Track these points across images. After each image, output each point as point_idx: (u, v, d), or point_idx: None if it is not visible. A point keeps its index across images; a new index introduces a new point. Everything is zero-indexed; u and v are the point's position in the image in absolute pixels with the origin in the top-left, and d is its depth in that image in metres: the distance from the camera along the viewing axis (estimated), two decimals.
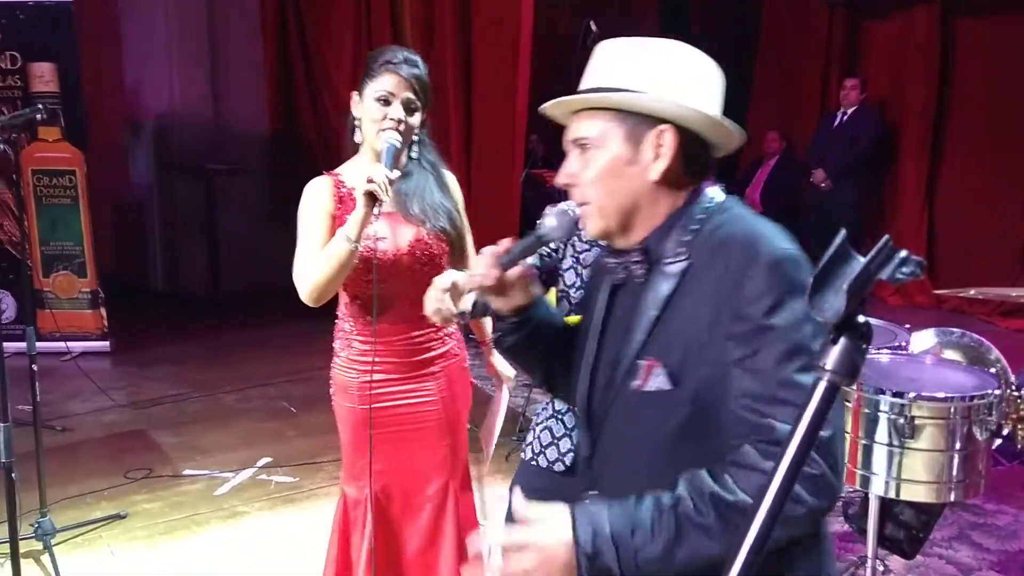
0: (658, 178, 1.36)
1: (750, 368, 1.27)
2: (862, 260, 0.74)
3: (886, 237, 0.75)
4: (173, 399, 5.21)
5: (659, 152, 1.35)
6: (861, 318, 0.74)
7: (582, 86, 1.42)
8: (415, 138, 2.34)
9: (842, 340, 0.74)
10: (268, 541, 3.62)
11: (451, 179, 2.47)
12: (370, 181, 2.12)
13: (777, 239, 1.33)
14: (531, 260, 1.59)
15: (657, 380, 1.34)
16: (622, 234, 1.41)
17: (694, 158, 1.38)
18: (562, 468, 2.30)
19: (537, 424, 2.41)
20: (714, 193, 1.42)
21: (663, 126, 1.35)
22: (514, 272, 1.48)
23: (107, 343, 6.05)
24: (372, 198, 2.13)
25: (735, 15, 9.01)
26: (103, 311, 6.06)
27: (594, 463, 1.48)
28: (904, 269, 0.72)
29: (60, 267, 5.98)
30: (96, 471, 4.22)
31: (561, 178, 1.44)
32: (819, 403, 0.73)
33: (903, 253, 0.73)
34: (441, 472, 2.45)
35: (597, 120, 1.38)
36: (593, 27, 6.80)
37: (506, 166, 6.21)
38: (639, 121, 1.36)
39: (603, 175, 1.37)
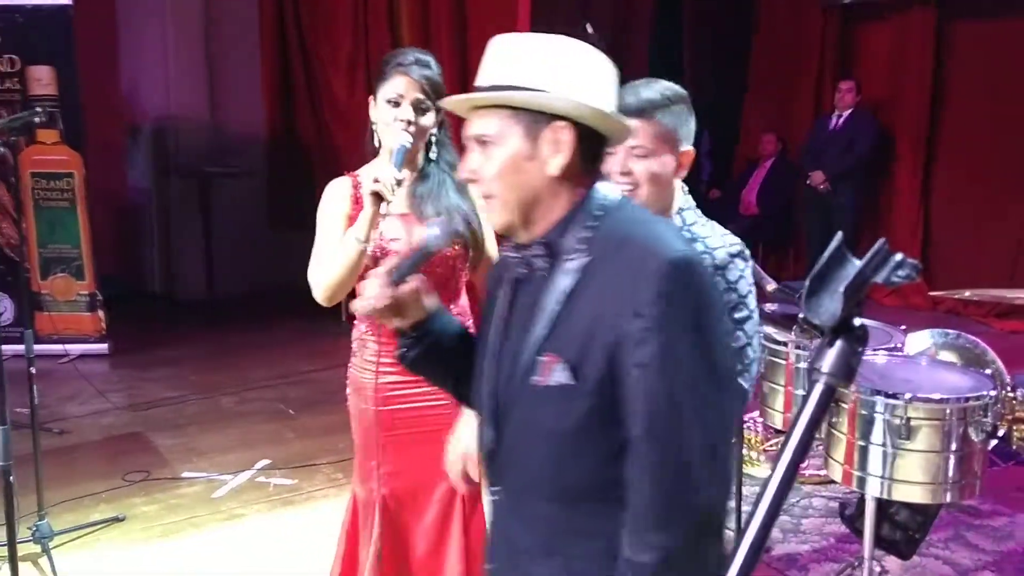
0: (557, 173, 1.40)
1: (641, 366, 1.31)
2: (858, 263, 0.75)
3: (882, 240, 0.76)
4: (171, 401, 5.21)
5: (557, 148, 1.39)
6: (857, 321, 0.75)
7: (479, 82, 1.45)
8: (432, 139, 2.35)
9: (838, 343, 0.75)
10: (266, 543, 3.62)
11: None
12: (376, 181, 2.14)
13: (674, 242, 1.38)
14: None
15: (557, 375, 1.37)
16: (524, 228, 1.45)
17: (591, 153, 1.42)
18: None
19: None
20: (607, 190, 1.46)
21: (560, 123, 1.38)
22: (405, 289, 1.51)
23: (105, 345, 6.05)
24: (378, 198, 2.15)
25: (729, 17, 9.02)
26: (101, 313, 6.05)
27: (498, 458, 1.51)
28: (900, 272, 0.73)
29: (58, 270, 5.98)
30: (94, 474, 4.22)
31: (463, 173, 1.49)
32: (817, 405, 0.75)
33: (899, 256, 0.74)
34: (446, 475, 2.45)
35: (496, 117, 1.41)
36: (589, 29, 6.83)
37: None
38: (537, 118, 1.39)
39: (503, 170, 1.41)
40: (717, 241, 1.91)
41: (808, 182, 7.46)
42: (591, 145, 1.42)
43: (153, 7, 7.14)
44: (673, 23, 9.05)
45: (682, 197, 1.99)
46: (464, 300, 2.48)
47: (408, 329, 1.56)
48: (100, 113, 6.78)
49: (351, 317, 2.44)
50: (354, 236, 2.19)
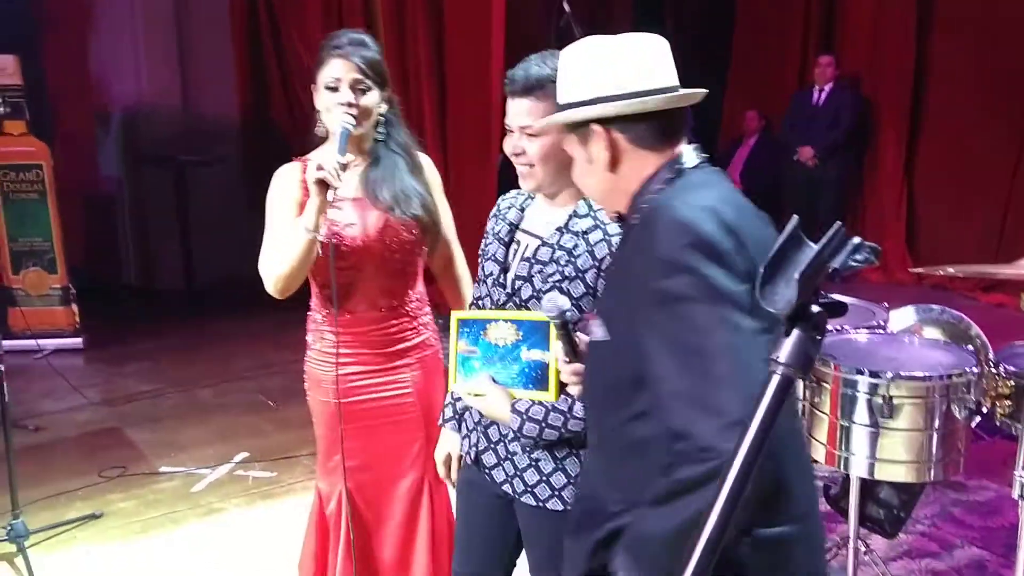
0: (612, 167, 1.51)
1: (647, 331, 1.36)
2: (814, 247, 0.69)
3: (838, 224, 0.70)
4: (148, 395, 5.14)
5: (602, 147, 1.50)
6: (815, 308, 0.69)
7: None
8: (380, 118, 2.29)
9: (795, 332, 0.69)
10: (246, 537, 3.58)
11: (426, 161, 2.41)
12: (319, 168, 2.08)
13: (675, 208, 1.40)
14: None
15: (599, 330, 1.51)
16: (617, 209, 1.58)
17: (641, 134, 1.49)
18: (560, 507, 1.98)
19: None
20: (687, 157, 1.52)
21: (593, 126, 1.50)
22: (584, 347, 1.66)
23: (79, 340, 5.95)
24: (324, 185, 2.09)
25: None
26: (75, 307, 5.96)
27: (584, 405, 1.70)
28: (857, 256, 0.68)
29: (30, 263, 5.87)
30: (70, 470, 4.16)
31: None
32: (773, 398, 0.69)
33: (856, 240, 0.69)
34: (415, 466, 2.41)
35: (566, 134, 1.59)
36: (567, 7, 6.75)
37: (482, 151, 6.15)
38: (578, 128, 1.53)
39: (579, 179, 1.60)
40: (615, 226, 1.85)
41: (795, 157, 7.43)
42: (635, 129, 1.49)
43: None
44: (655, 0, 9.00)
45: None
46: (421, 286, 2.43)
47: None
48: (68, 102, 6.67)
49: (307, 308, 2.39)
50: (303, 226, 2.13)
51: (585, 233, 1.86)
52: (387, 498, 2.42)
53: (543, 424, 1.87)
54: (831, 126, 7.39)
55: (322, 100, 2.23)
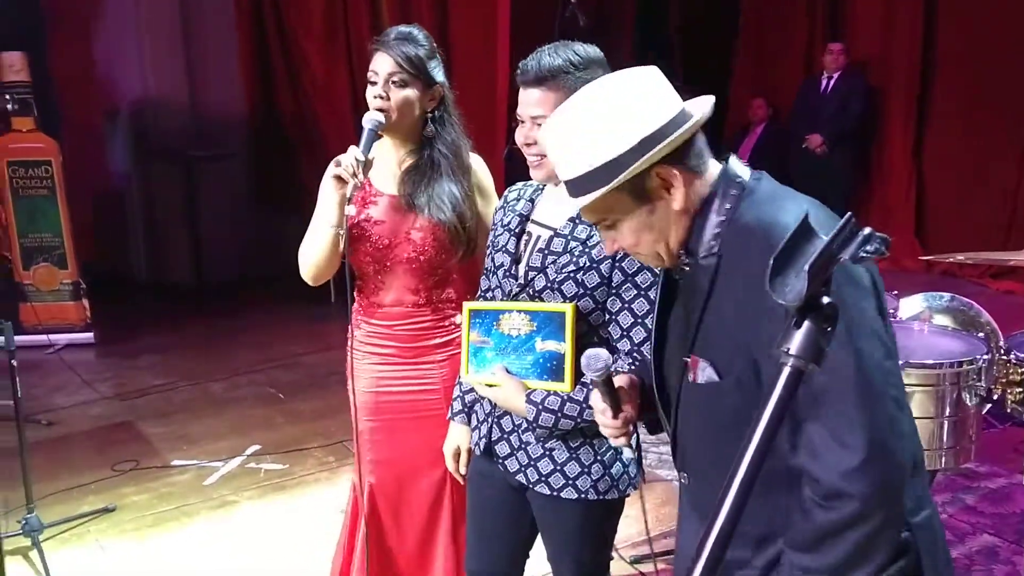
0: (683, 208, 1.39)
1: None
2: (824, 239, 0.69)
3: (848, 215, 0.70)
4: (159, 389, 5.16)
5: (668, 187, 1.38)
6: (825, 299, 0.69)
7: (561, 176, 1.44)
8: (428, 116, 2.27)
9: (806, 323, 0.69)
10: (258, 529, 3.60)
11: (476, 161, 2.38)
12: (336, 164, 2.08)
13: (788, 226, 1.30)
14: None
15: (705, 373, 1.42)
16: (673, 241, 1.45)
17: (691, 162, 1.40)
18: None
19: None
20: (737, 170, 1.44)
21: (653, 169, 1.36)
22: (625, 396, 1.61)
23: (91, 335, 5.97)
24: (340, 181, 2.09)
25: None
26: (86, 302, 5.98)
27: (677, 447, 1.60)
28: (868, 247, 0.68)
29: (40, 259, 5.88)
30: (83, 465, 4.18)
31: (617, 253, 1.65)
32: (784, 389, 0.69)
33: (867, 231, 0.69)
34: (438, 465, 2.41)
35: (602, 201, 1.39)
36: None
37: (488, 142, 6.13)
38: (633, 181, 1.37)
39: (640, 236, 1.42)
40: None
41: (804, 145, 7.40)
42: (686, 154, 1.39)
43: None
44: None
45: None
46: (451, 291, 2.40)
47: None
48: (76, 98, 6.67)
49: (339, 297, 2.41)
50: (325, 220, 2.15)
51: None
52: (409, 493, 2.43)
53: (559, 414, 1.88)
54: (839, 114, 7.35)
55: (368, 93, 2.22)
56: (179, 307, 6.73)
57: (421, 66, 2.20)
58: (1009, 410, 2.69)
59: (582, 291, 1.86)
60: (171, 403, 4.97)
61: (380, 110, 2.18)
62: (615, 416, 1.59)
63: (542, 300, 1.91)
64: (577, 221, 1.90)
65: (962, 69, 7.14)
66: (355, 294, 2.40)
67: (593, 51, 1.84)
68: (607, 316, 1.88)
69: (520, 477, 2.00)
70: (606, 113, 1.35)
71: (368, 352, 2.37)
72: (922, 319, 3.40)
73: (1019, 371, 2.62)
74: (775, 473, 1.36)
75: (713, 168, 1.44)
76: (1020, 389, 2.63)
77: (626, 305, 1.85)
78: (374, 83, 2.19)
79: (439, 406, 2.37)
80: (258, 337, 6.00)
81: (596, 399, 1.61)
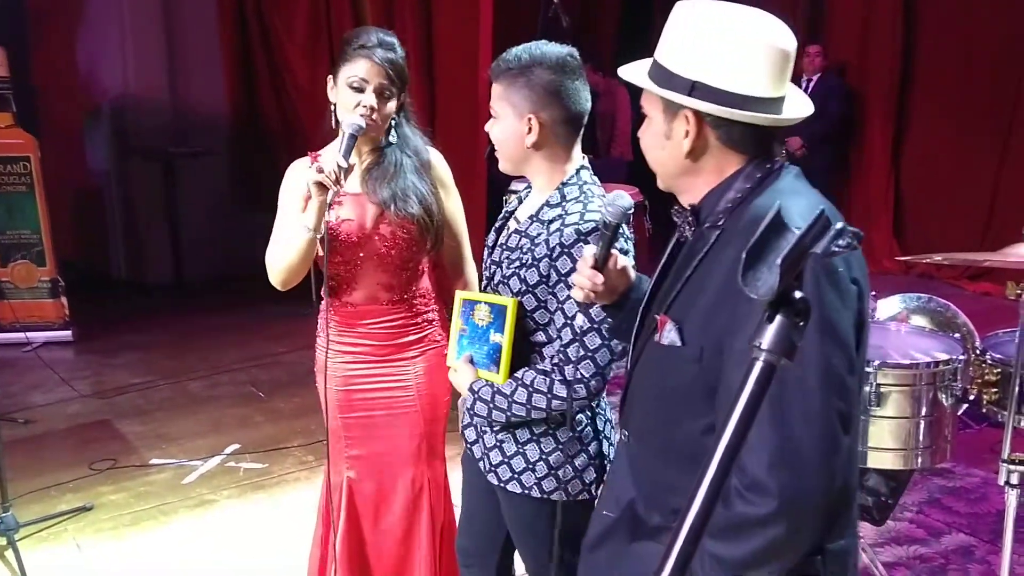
0: (688, 153, 1.42)
1: (741, 351, 1.29)
2: (796, 233, 0.70)
3: (820, 209, 0.71)
4: (138, 387, 5.12)
5: (686, 132, 1.41)
6: (797, 294, 0.70)
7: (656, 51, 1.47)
8: (393, 121, 2.29)
9: (778, 318, 0.70)
10: (238, 528, 3.58)
11: (435, 156, 2.40)
12: (319, 171, 2.08)
13: (792, 218, 1.32)
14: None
15: (670, 335, 1.43)
16: (680, 193, 1.51)
17: (736, 137, 1.41)
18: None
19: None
20: (772, 161, 1.45)
21: (687, 111, 1.40)
22: (611, 269, 1.62)
23: (69, 332, 5.93)
24: (322, 187, 2.09)
25: None
26: (64, 300, 5.93)
27: (626, 403, 1.61)
28: (839, 242, 0.68)
29: (18, 256, 5.84)
30: (60, 463, 4.14)
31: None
32: (756, 384, 0.70)
33: (839, 225, 0.69)
34: (416, 464, 2.42)
35: (646, 95, 1.47)
36: None
37: (470, 141, 6.13)
38: (670, 103, 1.42)
39: (649, 145, 1.49)
40: (575, 217, 1.85)
41: (783, 148, 7.44)
42: (735, 130, 1.40)
43: None
44: None
45: (579, 158, 1.97)
46: (426, 282, 2.43)
47: (616, 301, 1.68)
48: (56, 95, 6.63)
49: (319, 298, 2.41)
50: (303, 224, 2.15)
51: (549, 223, 1.88)
52: (386, 491, 2.43)
53: (491, 405, 1.94)
54: (818, 116, 7.34)
55: (342, 97, 2.22)
56: (158, 305, 6.69)
57: (405, 77, 2.24)
58: (984, 410, 2.72)
59: (524, 288, 1.90)
60: (150, 401, 4.94)
61: (368, 121, 2.18)
62: (592, 267, 1.61)
63: (498, 293, 1.97)
64: (533, 218, 1.93)
65: (941, 71, 7.20)
66: (327, 295, 2.40)
67: (549, 54, 1.87)
68: (548, 316, 1.91)
69: (481, 463, 2.05)
70: (714, 38, 1.37)
71: (341, 351, 2.37)
72: (899, 319, 3.43)
73: (994, 371, 2.65)
74: (709, 451, 1.38)
75: (756, 153, 1.45)
76: (995, 389, 2.65)
77: (560, 304, 1.87)
78: (358, 90, 2.19)
79: (412, 403, 2.38)
80: (237, 335, 5.98)
81: (590, 246, 1.65)
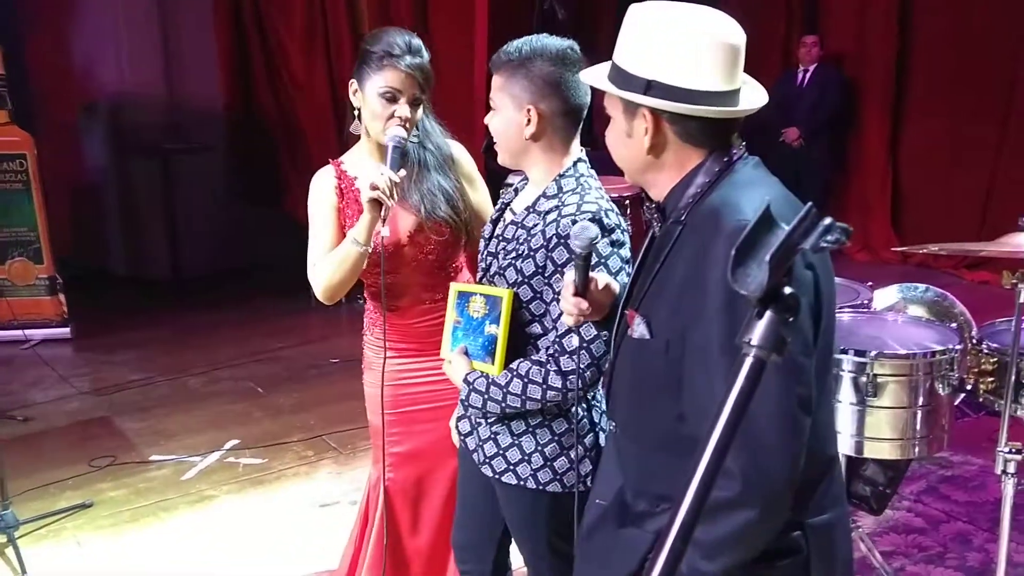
0: (649, 150, 1.48)
1: (698, 348, 1.36)
2: (785, 229, 0.70)
3: (808, 205, 0.71)
4: (137, 384, 5.12)
5: (645, 130, 1.47)
6: (787, 289, 0.70)
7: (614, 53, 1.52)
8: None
9: (767, 314, 0.70)
10: (237, 524, 3.59)
11: (457, 148, 2.39)
12: (374, 188, 2.07)
13: (742, 209, 1.37)
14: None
15: (639, 329, 1.49)
16: (647, 188, 1.57)
17: (692, 132, 1.46)
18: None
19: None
20: (730, 153, 1.50)
21: (644, 109, 1.45)
22: (594, 287, 1.66)
23: (67, 329, 5.92)
24: (377, 203, 2.09)
25: None
26: (62, 297, 5.92)
27: (610, 395, 1.67)
28: (828, 237, 0.69)
29: (15, 254, 5.82)
30: (60, 460, 4.15)
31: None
32: (746, 380, 0.70)
33: (827, 220, 0.70)
34: (455, 455, 2.42)
35: (608, 97, 1.52)
36: None
37: (466, 136, 6.11)
38: (626, 101, 1.48)
39: (613, 144, 1.56)
40: (572, 208, 1.86)
41: (781, 139, 7.43)
42: (692, 125, 1.45)
43: None
44: None
45: (577, 151, 1.97)
46: (465, 274, 2.42)
47: (608, 315, 1.72)
48: (52, 91, 6.61)
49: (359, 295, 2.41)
50: (353, 238, 2.13)
51: (546, 214, 1.89)
52: (428, 485, 2.45)
53: (485, 396, 1.94)
54: (816, 107, 7.39)
55: (370, 105, 2.20)
56: (156, 302, 6.67)
57: (431, 81, 2.23)
58: (981, 399, 2.73)
59: (520, 278, 1.90)
60: (149, 398, 4.94)
61: (406, 130, 2.19)
62: (574, 294, 1.65)
63: (494, 284, 1.97)
64: (530, 210, 1.93)
65: (937, 61, 7.19)
66: (366, 296, 2.40)
67: (543, 46, 1.88)
68: (544, 306, 1.91)
69: (475, 456, 2.06)
70: (665, 37, 1.42)
71: (385, 350, 2.34)
72: (896, 310, 3.43)
73: (991, 361, 2.65)
74: (683, 439, 1.42)
75: (714, 147, 1.49)
76: (992, 378, 2.65)
77: (556, 295, 1.87)
78: (391, 100, 2.18)
79: (455, 395, 2.38)
80: (236, 331, 5.97)
81: (569, 272, 1.68)
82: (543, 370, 1.86)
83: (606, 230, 1.81)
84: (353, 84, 2.24)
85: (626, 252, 1.88)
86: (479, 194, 2.40)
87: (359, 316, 2.52)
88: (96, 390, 5.07)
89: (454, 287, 2.08)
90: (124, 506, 3.75)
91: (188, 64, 7.08)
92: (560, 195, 1.89)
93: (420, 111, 2.25)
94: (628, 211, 4.91)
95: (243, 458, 4.16)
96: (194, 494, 3.84)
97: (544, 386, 1.86)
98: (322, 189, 2.31)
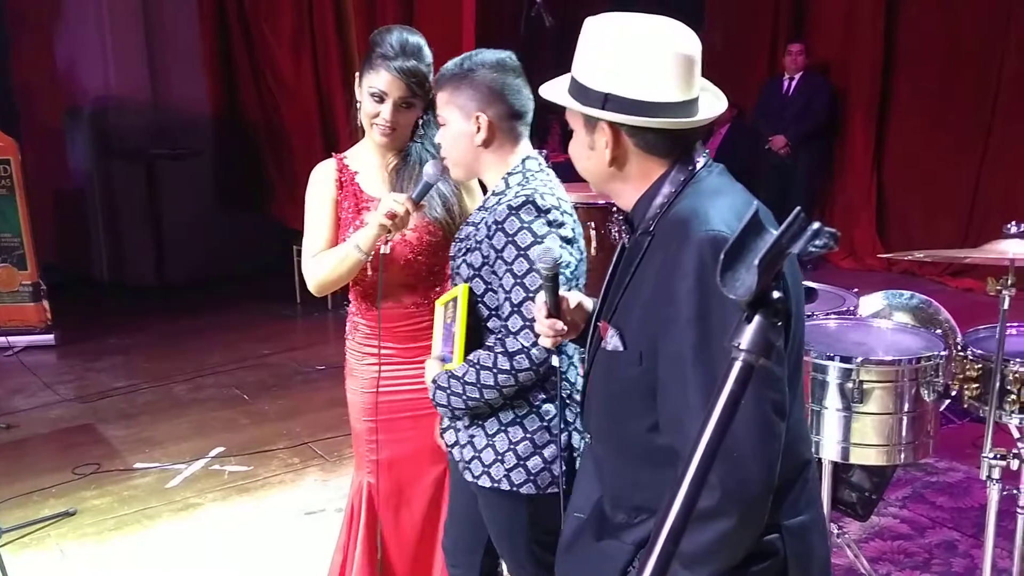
0: (611, 162, 1.48)
1: (668, 356, 1.37)
2: (774, 233, 0.70)
3: (797, 209, 0.71)
4: (121, 391, 5.09)
5: (606, 141, 1.47)
6: (775, 294, 0.70)
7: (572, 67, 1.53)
8: (419, 121, 2.29)
9: (756, 318, 0.70)
10: (222, 532, 3.56)
11: None
12: (391, 216, 2.07)
13: (710, 220, 1.37)
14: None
15: (612, 341, 1.49)
16: (614, 199, 1.58)
17: (652, 142, 1.46)
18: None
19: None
20: (693, 161, 1.50)
21: (602, 123, 1.46)
22: (566, 307, 1.68)
23: (51, 336, 5.88)
24: (386, 228, 2.09)
25: None
26: (46, 303, 5.89)
27: (585, 407, 1.67)
28: (817, 242, 0.69)
29: None
30: (43, 468, 4.12)
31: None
32: (735, 384, 0.70)
33: (815, 225, 0.70)
34: (436, 464, 2.41)
35: (569, 111, 1.53)
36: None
37: None
38: (586, 116, 1.48)
39: (576, 156, 1.56)
40: (510, 195, 1.91)
41: (768, 147, 7.47)
42: (650, 136, 1.45)
43: None
44: None
45: (525, 150, 2.01)
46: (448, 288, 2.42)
47: (584, 331, 1.71)
48: (36, 97, 6.57)
49: (344, 299, 2.41)
50: (356, 244, 2.14)
51: (493, 207, 1.93)
52: (410, 492, 2.44)
53: (448, 391, 1.96)
54: (802, 115, 7.42)
55: (364, 103, 2.21)
56: (141, 308, 6.63)
57: (426, 84, 2.21)
58: (966, 406, 2.73)
59: (472, 272, 1.94)
60: (133, 405, 4.91)
61: (383, 135, 2.21)
62: (547, 316, 1.66)
63: (456, 285, 2.01)
64: (480, 208, 1.99)
65: (923, 69, 7.24)
66: (351, 297, 2.39)
67: (479, 59, 1.95)
68: (496, 299, 1.93)
69: (460, 463, 2.07)
70: (620, 50, 1.43)
71: (366, 353, 2.36)
72: (882, 316, 3.45)
73: (975, 367, 2.66)
74: (659, 449, 1.43)
75: (677, 157, 1.49)
76: (976, 385, 2.66)
77: (500, 280, 1.89)
78: (378, 99, 2.18)
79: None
80: (222, 338, 5.94)
81: (540, 295, 1.69)
82: (491, 354, 1.88)
83: (541, 211, 1.85)
84: (357, 77, 2.26)
85: (567, 232, 1.91)
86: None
87: (344, 323, 2.51)
88: (80, 397, 5.03)
89: (437, 303, 2.11)
90: (108, 514, 3.72)
91: (173, 68, 7.06)
92: (507, 190, 1.94)
93: (413, 115, 2.24)
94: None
95: (228, 465, 4.14)
96: (179, 502, 3.81)
97: (494, 370, 1.87)
98: (322, 180, 2.31)
